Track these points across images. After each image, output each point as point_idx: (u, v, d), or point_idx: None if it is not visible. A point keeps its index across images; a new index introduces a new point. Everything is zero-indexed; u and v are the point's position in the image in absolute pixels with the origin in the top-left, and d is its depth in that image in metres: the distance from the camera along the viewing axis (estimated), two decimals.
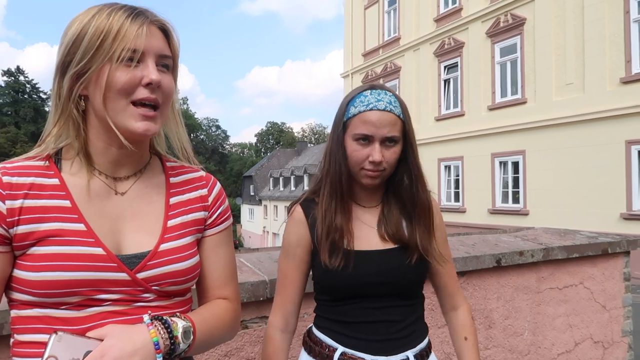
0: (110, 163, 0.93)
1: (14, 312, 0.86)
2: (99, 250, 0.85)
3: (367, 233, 1.31)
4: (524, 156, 13.49)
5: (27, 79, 67.85)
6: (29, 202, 0.85)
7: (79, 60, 0.85)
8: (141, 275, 0.88)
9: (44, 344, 0.77)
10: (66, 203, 0.87)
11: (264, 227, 39.47)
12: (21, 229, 0.83)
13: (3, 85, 66.43)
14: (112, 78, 0.84)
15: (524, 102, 13.49)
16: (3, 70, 66.81)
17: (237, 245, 37.47)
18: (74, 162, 0.92)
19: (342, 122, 1.27)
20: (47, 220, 0.85)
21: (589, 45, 11.69)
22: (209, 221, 1.03)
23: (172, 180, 1.01)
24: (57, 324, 0.82)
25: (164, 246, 0.92)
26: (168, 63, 0.91)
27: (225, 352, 2.11)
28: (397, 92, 1.31)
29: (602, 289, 3.32)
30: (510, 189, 14.10)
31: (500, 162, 14.33)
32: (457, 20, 15.60)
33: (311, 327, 1.40)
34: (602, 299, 3.32)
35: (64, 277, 0.81)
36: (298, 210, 1.34)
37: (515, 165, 13.89)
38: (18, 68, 67.56)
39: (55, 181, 0.89)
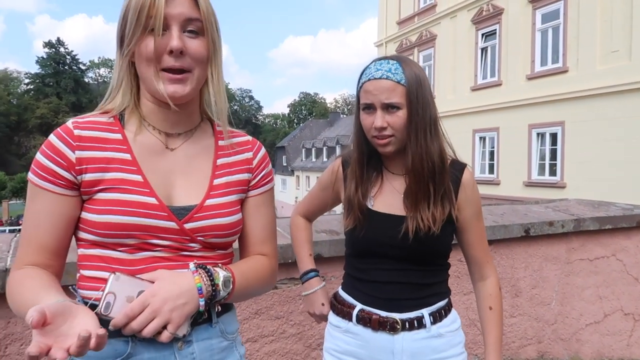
0: (162, 121, 1.00)
1: (80, 251, 0.97)
2: (152, 200, 0.94)
3: (393, 198, 1.36)
4: (562, 127, 13.04)
5: (67, 50, 69.52)
6: (95, 153, 0.94)
7: (127, 33, 0.92)
8: (188, 225, 0.97)
9: (103, 280, 0.88)
10: (127, 156, 0.96)
11: (296, 197, 39.84)
12: (88, 176, 0.93)
13: (45, 56, 68.28)
14: (143, 48, 0.91)
15: (565, 71, 12.95)
16: (44, 42, 68.67)
17: None
18: (133, 120, 1.01)
19: (356, 95, 1.36)
20: (110, 170, 0.94)
21: (638, 9, 11.03)
22: (253, 182, 1.11)
23: (221, 142, 1.09)
24: (114, 264, 0.92)
25: (209, 202, 1.00)
26: (196, 27, 0.94)
27: (255, 310, 2.22)
28: (405, 60, 1.30)
29: (635, 262, 3.27)
30: (547, 161, 13.71)
31: (538, 134, 13.90)
32: None
33: (338, 290, 1.49)
34: (635, 272, 3.27)
35: (122, 220, 0.91)
36: (338, 162, 1.48)
37: (554, 136, 13.46)
38: (58, 39, 69.22)
39: (118, 136, 0.98)
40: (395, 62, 1.28)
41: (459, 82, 16.61)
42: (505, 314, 2.85)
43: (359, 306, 1.36)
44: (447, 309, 1.38)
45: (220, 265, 1.00)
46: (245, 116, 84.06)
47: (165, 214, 0.95)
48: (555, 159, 13.36)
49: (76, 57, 70.83)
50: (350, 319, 1.37)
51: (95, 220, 0.92)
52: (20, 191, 42.79)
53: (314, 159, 39.18)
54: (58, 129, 0.96)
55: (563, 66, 13.03)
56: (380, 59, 1.31)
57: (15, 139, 63.00)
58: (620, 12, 11.47)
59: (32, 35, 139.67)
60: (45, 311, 0.68)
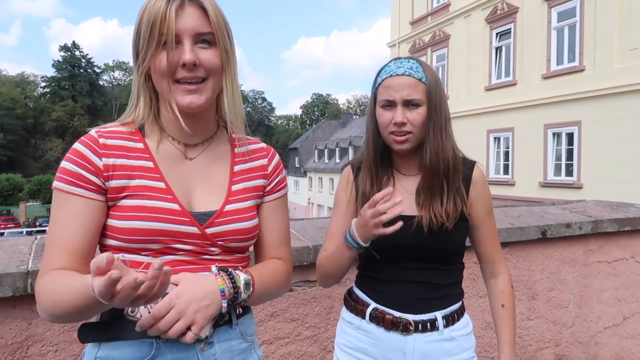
0: (181, 131, 1.02)
1: None
2: (175, 206, 0.97)
3: (404, 198, 1.34)
4: (579, 127, 12.87)
5: (82, 53, 70.44)
6: (120, 161, 0.97)
7: (142, 49, 0.95)
8: (209, 230, 1.00)
9: None
10: (149, 164, 1.00)
11: (309, 199, 39.88)
12: (114, 183, 0.96)
13: (61, 60, 69.27)
14: (157, 63, 0.94)
15: (582, 70, 12.78)
16: (60, 46, 69.68)
17: None
18: (154, 131, 1.04)
19: (373, 93, 1.36)
20: (135, 177, 0.97)
21: None
22: (268, 188, 1.14)
23: (237, 150, 1.12)
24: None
25: (228, 207, 1.04)
26: (208, 39, 0.96)
27: (271, 313, 2.22)
28: (422, 61, 1.34)
29: None
30: (563, 162, 13.54)
31: (554, 134, 13.73)
32: None
33: (352, 286, 1.49)
34: None
35: (147, 226, 0.94)
36: (348, 170, 1.47)
37: (570, 136, 13.28)
38: (74, 43, 70.18)
39: (140, 145, 1.01)
40: (415, 61, 1.32)
41: (473, 82, 16.49)
42: (522, 316, 2.82)
43: (372, 305, 1.37)
44: (460, 313, 1.38)
45: (240, 268, 1.03)
46: (257, 118, 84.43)
47: (188, 220, 0.97)
48: (572, 159, 13.19)
49: (91, 60, 71.79)
50: (363, 317, 1.38)
51: (121, 226, 0.94)
52: (37, 193, 43.46)
53: (326, 160, 39.15)
54: (82, 137, 0.99)
55: (579, 65, 12.86)
56: (398, 58, 1.34)
57: (32, 141, 64.01)
58: (638, 9, 11.28)
59: (49, 39, 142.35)
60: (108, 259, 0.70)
